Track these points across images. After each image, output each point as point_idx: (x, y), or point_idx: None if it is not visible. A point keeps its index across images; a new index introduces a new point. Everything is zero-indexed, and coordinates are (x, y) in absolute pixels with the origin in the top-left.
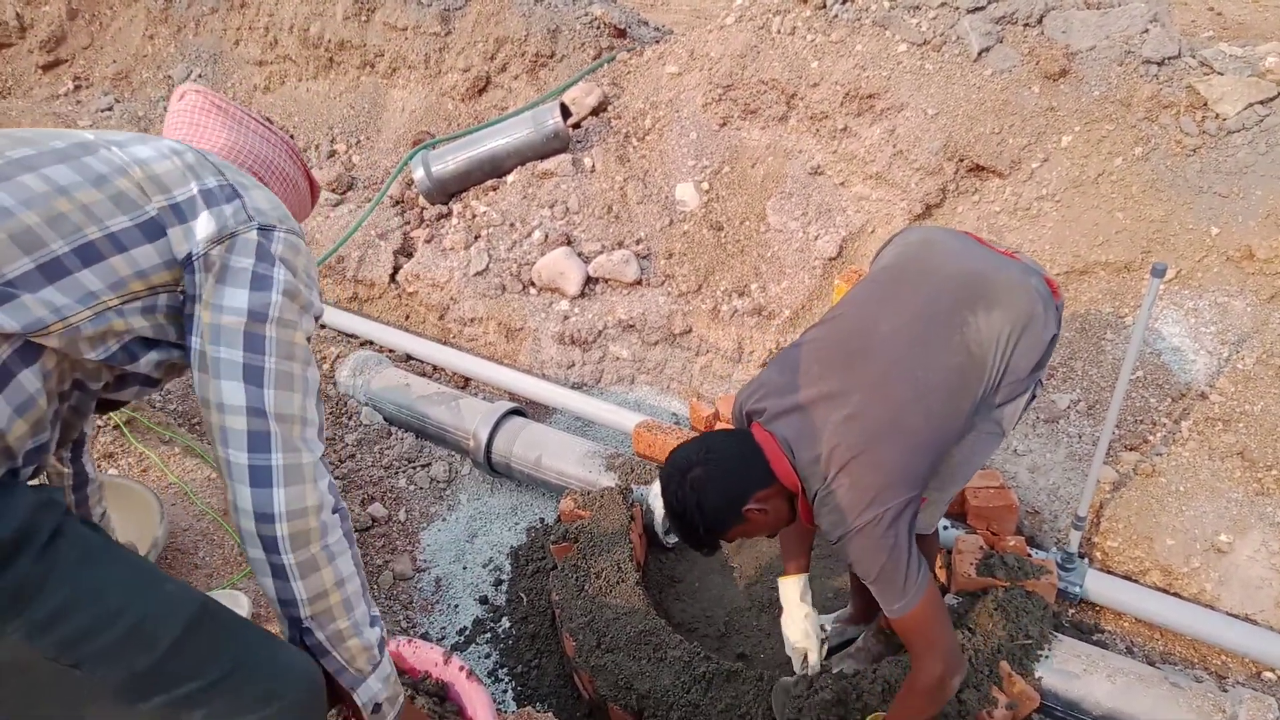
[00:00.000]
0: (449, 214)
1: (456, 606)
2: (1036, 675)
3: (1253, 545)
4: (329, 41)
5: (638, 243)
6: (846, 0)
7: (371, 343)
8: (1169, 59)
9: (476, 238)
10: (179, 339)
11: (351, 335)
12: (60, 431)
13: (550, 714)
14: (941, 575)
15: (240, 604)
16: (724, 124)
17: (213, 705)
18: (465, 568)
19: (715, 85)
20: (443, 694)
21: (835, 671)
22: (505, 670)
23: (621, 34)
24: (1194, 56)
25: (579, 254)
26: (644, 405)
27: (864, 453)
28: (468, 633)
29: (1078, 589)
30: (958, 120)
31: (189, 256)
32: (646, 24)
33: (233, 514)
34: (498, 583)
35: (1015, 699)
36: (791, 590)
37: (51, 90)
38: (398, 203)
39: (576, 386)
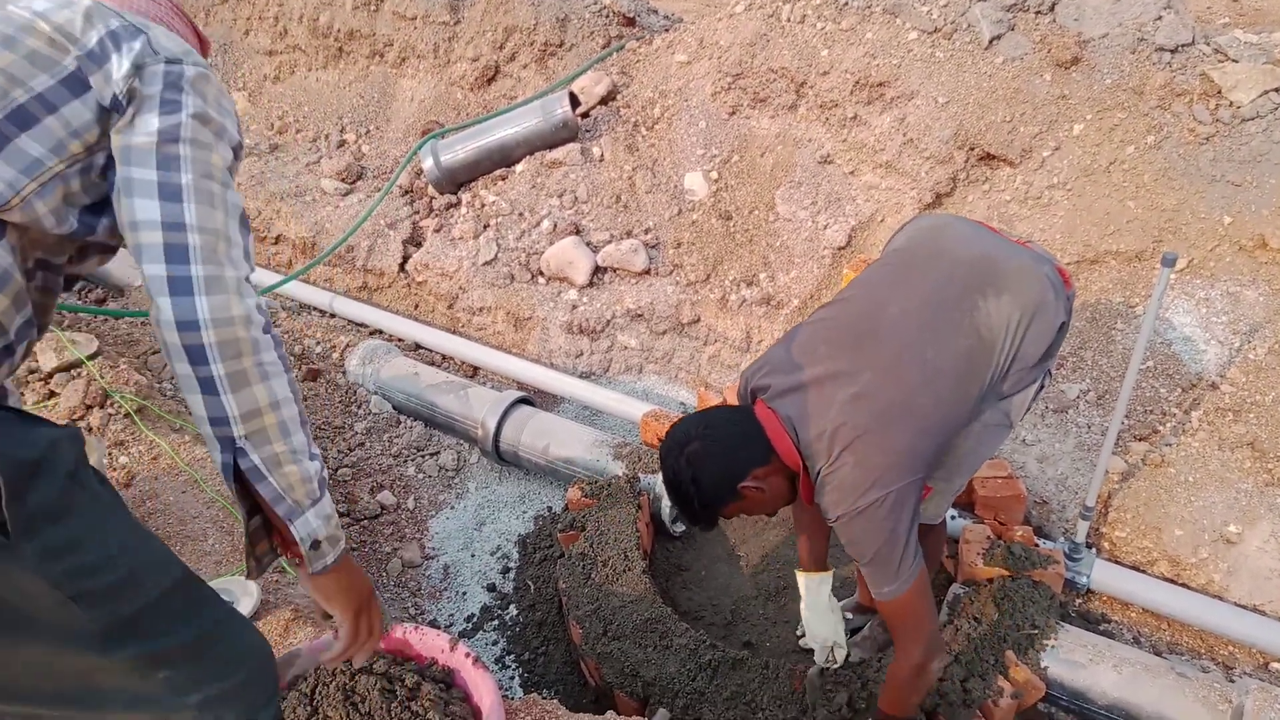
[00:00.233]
0: (458, 203)
1: (464, 594)
2: (1042, 665)
3: (1262, 536)
4: (338, 31)
5: (646, 232)
6: None
7: (381, 331)
8: (1183, 46)
9: (485, 227)
10: None
11: (361, 324)
12: (38, 316)
13: (556, 701)
14: (949, 565)
15: (250, 591)
16: (733, 113)
17: (177, 667)
18: (473, 555)
19: (725, 74)
20: (449, 680)
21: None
22: (512, 657)
23: (631, 22)
24: (1208, 43)
25: (587, 243)
26: (652, 394)
27: (870, 432)
28: (475, 620)
29: (1085, 579)
30: (968, 108)
31: (114, 100)
32: (656, 12)
33: (156, 331)
34: (505, 570)
35: (1021, 688)
36: (816, 585)
37: None
38: (407, 192)
39: (584, 376)
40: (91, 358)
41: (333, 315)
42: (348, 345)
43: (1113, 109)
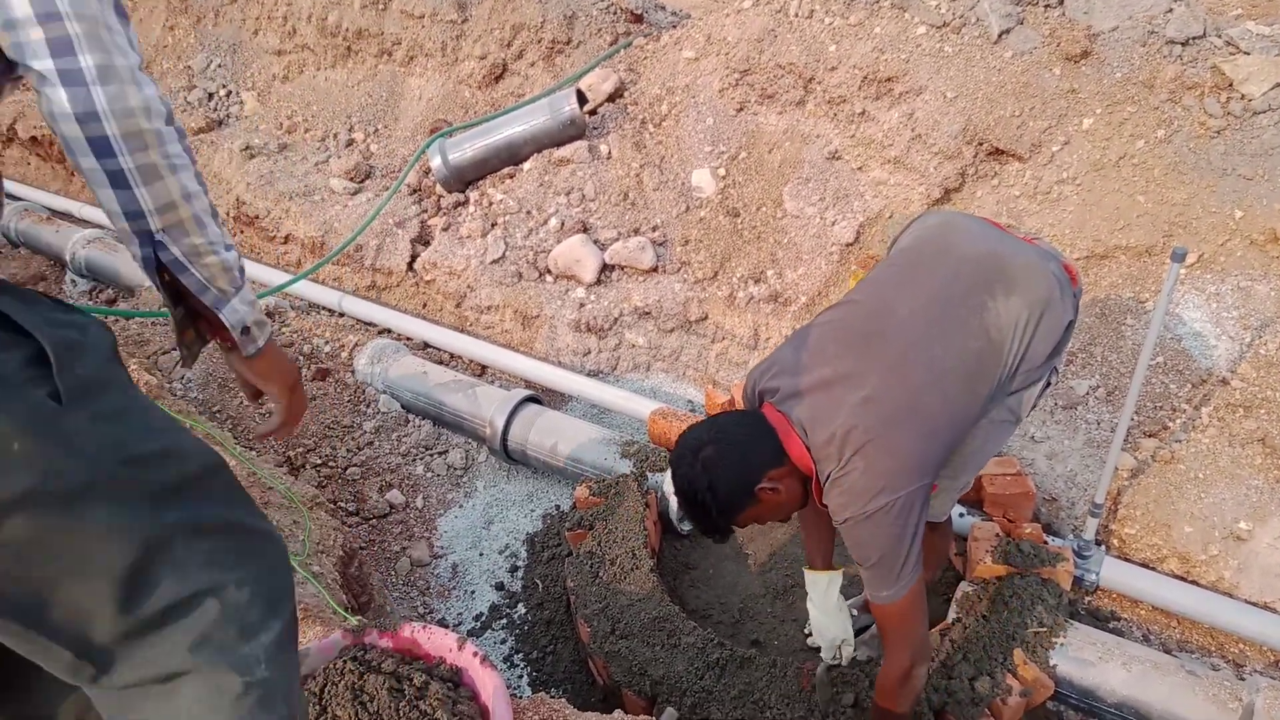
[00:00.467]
0: (466, 202)
1: (473, 592)
2: (1051, 663)
3: (1273, 533)
4: (347, 30)
5: (654, 229)
6: None
7: (389, 331)
8: (1194, 39)
9: (493, 225)
10: None
11: (369, 323)
12: None
13: (565, 699)
14: (957, 562)
15: None
16: (741, 109)
17: (216, 543)
18: (482, 554)
19: (732, 70)
20: (457, 679)
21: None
22: (520, 656)
23: (638, 19)
24: (1220, 36)
25: (595, 241)
26: (659, 393)
27: (880, 436)
28: (484, 619)
29: (1094, 576)
30: (977, 103)
31: None
32: (663, 8)
33: (52, 125)
34: (513, 569)
35: (1029, 686)
36: (821, 582)
37: None
38: (415, 191)
39: (592, 374)
40: None
41: (341, 314)
42: (356, 344)
43: (1123, 103)
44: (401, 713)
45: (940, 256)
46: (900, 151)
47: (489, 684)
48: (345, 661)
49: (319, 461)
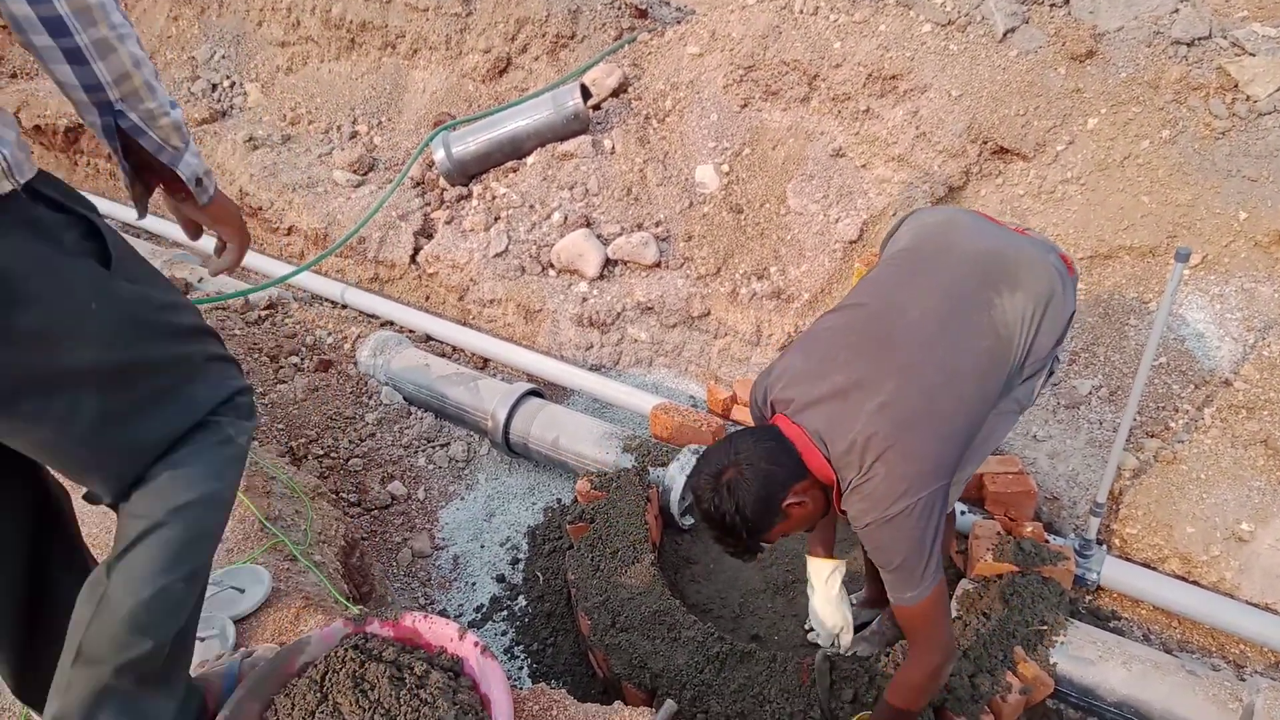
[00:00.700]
0: (469, 195)
1: (474, 584)
2: (1051, 661)
3: (1275, 534)
4: (351, 22)
5: (657, 225)
6: None
7: (392, 323)
8: (1199, 39)
9: (496, 219)
10: None
11: (372, 315)
12: None
13: (565, 691)
14: (958, 560)
15: (262, 579)
16: (745, 105)
17: (222, 365)
18: (483, 546)
19: (736, 66)
20: (458, 669)
21: (851, 653)
22: (521, 648)
23: (643, 14)
24: (1225, 37)
25: (598, 236)
26: (662, 388)
27: (899, 442)
28: (484, 610)
29: (1095, 575)
30: (982, 102)
31: None
32: (668, 4)
33: (4, 9)
34: (515, 561)
35: (1029, 684)
36: (824, 571)
37: None
38: (418, 184)
39: (594, 368)
40: None
41: (344, 306)
42: (359, 336)
43: (1127, 103)
44: (402, 701)
45: (943, 256)
46: (904, 149)
47: (489, 674)
48: (346, 650)
49: (321, 452)
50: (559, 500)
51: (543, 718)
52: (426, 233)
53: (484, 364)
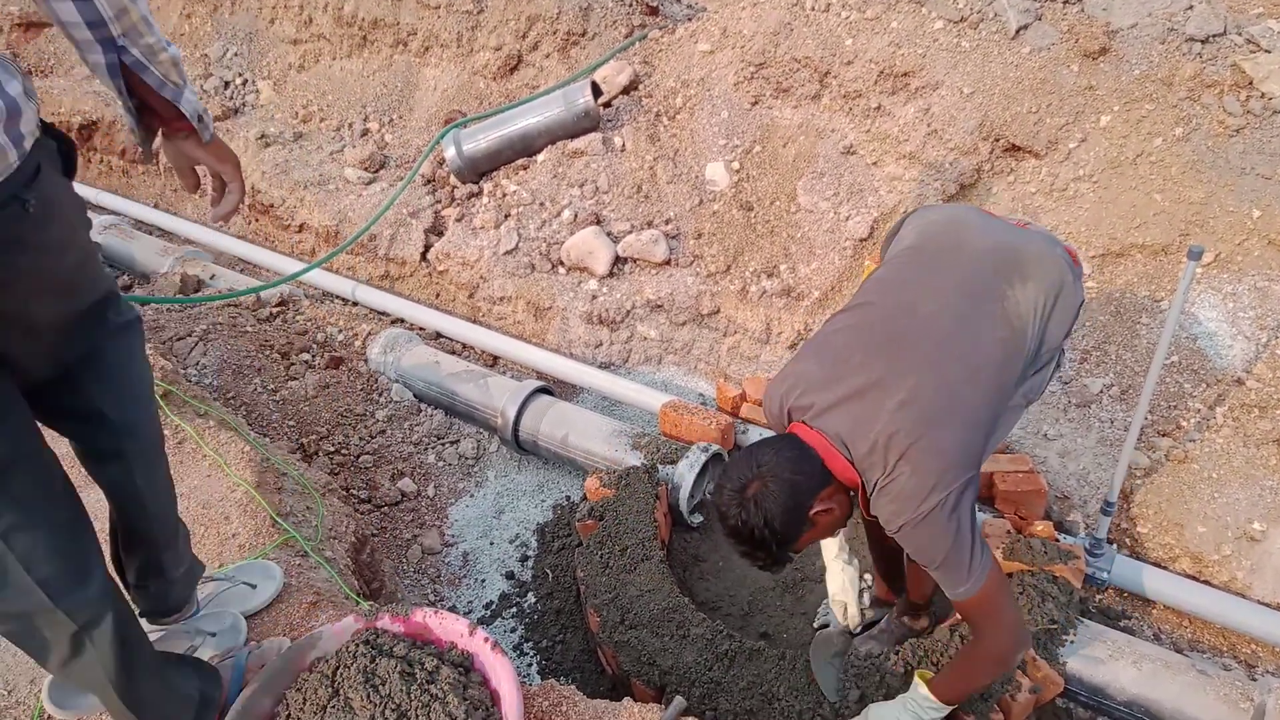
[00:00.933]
0: (479, 193)
1: (483, 581)
2: (1061, 660)
3: None
4: (363, 20)
5: (667, 222)
6: None
7: (402, 320)
8: (1214, 36)
9: (506, 216)
10: None
11: (383, 313)
12: None
13: (574, 687)
14: None
15: (273, 574)
16: (756, 103)
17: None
18: (492, 543)
19: (747, 63)
20: (468, 665)
21: (863, 651)
22: (530, 645)
23: (654, 11)
24: (1240, 34)
25: (608, 233)
26: (671, 385)
27: (923, 438)
28: (494, 607)
29: (1105, 575)
30: (994, 99)
31: None
32: (679, 1)
33: None
34: (524, 559)
35: (1039, 683)
36: (829, 544)
37: None
38: (429, 181)
39: (604, 366)
40: None
41: (355, 303)
42: (369, 333)
43: (1141, 100)
44: (413, 696)
45: (953, 253)
46: (916, 147)
47: (499, 669)
48: (358, 645)
49: (332, 449)
50: (568, 497)
51: (552, 714)
52: (437, 230)
53: (494, 361)
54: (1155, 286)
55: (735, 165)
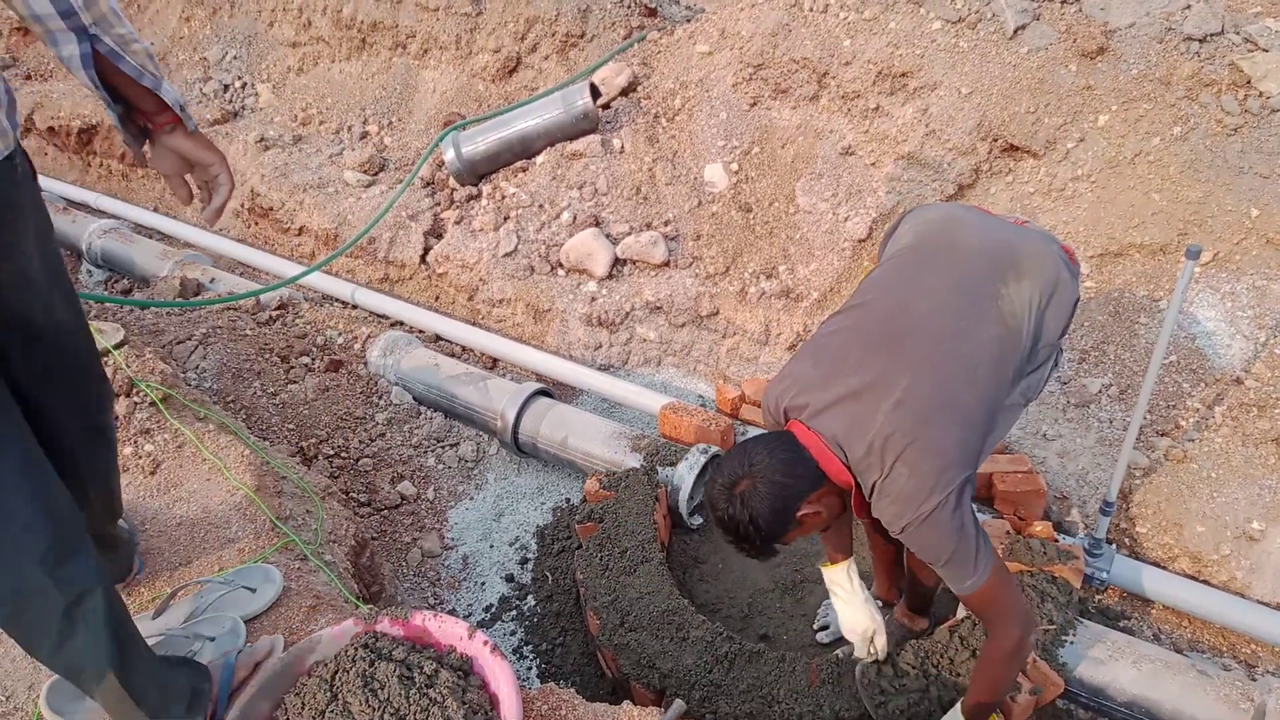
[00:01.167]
0: (479, 195)
1: (483, 584)
2: (1061, 661)
3: None
4: (361, 23)
5: (666, 224)
6: None
7: (401, 323)
8: (1211, 35)
9: (506, 219)
10: None
11: (382, 316)
12: None
13: (573, 691)
14: None
15: (273, 578)
16: (754, 104)
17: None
18: (492, 546)
19: (746, 64)
20: (467, 668)
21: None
22: (530, 648)
23: (652, 13)
24: (1238, 33)
25: (607, 235)
26: (670, 387)
27: (919, 437)
28: (493, 610)
29: (1105, 575)
30: (992, 99)
31: None
32: (678, 2)
33: None
34: (523, 561)
35: (1039, 683)
36: (843, 576)
37: None
38: (428, 184)
39: (603, 368)
40: (118, 347)
41: (354, 306)
42: (369, 336)
43: (1139, 100)
44: (412, 700)
45: (948, 252)
46: (914, 147)
47: (499, 672)
48: (356, 649)
49: (331, 452)
50: (568, 500)
51: (551, 717)
52: (436, 233)
53: (493, 364)
54: (1154, 286)
55: (734, 166)
